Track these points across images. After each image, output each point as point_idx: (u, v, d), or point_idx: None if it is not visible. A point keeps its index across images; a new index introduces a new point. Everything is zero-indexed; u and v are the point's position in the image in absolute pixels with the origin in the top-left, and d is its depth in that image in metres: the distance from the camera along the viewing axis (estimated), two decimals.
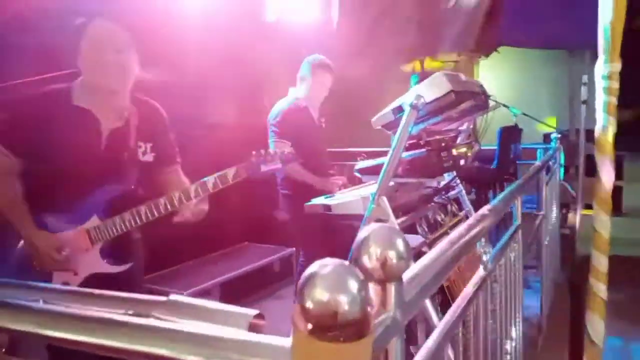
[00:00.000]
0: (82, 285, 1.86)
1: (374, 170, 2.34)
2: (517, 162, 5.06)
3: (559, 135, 4.46)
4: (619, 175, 6.13)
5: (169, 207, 1.89)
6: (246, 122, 4.00)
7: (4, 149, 1.79)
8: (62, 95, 1.85)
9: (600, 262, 1.69)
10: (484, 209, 1.54)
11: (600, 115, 1.68)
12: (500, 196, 1.91)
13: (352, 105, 5.04)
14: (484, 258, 1.59)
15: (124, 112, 1.93)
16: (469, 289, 1.42)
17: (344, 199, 2.36)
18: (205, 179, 1.91)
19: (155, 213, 1.89)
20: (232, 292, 3.91)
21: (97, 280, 1.88)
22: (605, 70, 1.65)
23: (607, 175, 1.66)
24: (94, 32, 1.82)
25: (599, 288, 1.69)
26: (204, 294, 3.73)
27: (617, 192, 5.59)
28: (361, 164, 2.42)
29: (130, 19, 1.78)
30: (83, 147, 1.82)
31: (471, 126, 3.21)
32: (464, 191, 2.97)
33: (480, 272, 1.55)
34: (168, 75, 3.95)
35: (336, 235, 2.77)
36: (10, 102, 1.84)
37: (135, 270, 2.01)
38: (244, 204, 4.47)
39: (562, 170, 5.13)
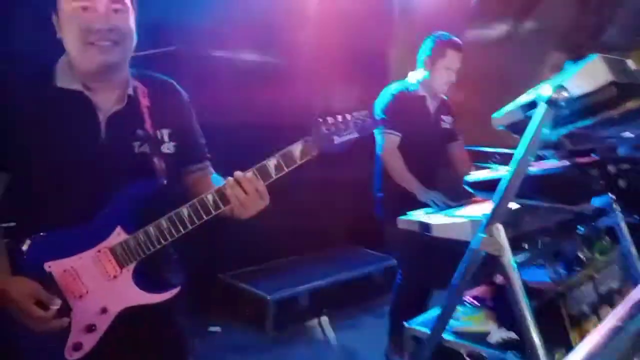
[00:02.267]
0: (115, 324, 1.39)
1: (488, 186, 1.74)
2: None
3: None
4: None
5: (220, 204, 1.37)
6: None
7: None
8: (41, 76, 1.39)
9: None
10: None
11: None
12: None
13: (490, 94, 4.32)
14: None
15: (125, 90, 1.43)
16: None
17: (448, 219, 1.84)
18: (265, 161, 1.39)
19: (204, 215, 1.36)
20: (323, 301, 3.51)
21: (132, 316, 1.41)
22: None
23: None
24: None
25: None
26: (290, 300, 3.37)
27: None
28: (473, 175, 1.83)
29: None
30: (76, 139, 1.36)
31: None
32: (623, 221, 2.21)
33: None
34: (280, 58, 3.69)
35: (436, 257, 2.23)
36: None
37: (180, 296, 1.49)
38: (354, 200, 4.05)
39: None
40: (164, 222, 1.37)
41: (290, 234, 3.80)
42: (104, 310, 1.38)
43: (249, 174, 1.36)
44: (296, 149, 1.39)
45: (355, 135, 1.45)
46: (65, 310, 1.35)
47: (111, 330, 1.39)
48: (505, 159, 2.44)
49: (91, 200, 1.36)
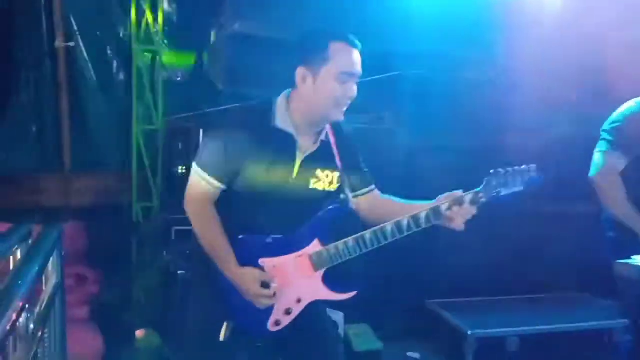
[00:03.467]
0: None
1: None
2: None
3: None
4: None
5: (397, 234, 1.65)
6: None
7: (209, 177, 1.68)
8: (264, 116, 1.71)
9: None
10: None
11: None
12: None
13: None
14: None
15: (320, 136, 1.76)
16: None
17: None
18: (438, 204, 1.64)
19: (382, 240, 1.66)
20: (535, 351, 3.15)
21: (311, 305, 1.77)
22: None
23: None
24: (343, 58, 1.65)
25: None
26: (496, 341, 3.12)
27: None
28: None
29: None
30: (279, 169, 1.70)
31: None
32: None
33: None
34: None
35: None
36: (216, 128, 1.79)
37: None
38: (581, 238, 3.61)
39: None
40: (351, 241, 1.68)
41: (506, 270, 3.55)
42: (298, 300, 1.74)
43: (423, 215, 1.64)
44: (467, 198, 1.62)
45: (520, 189, 1.64)
46: (268, 296, 1.70)
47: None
48: None
49: (287, 217, 1.69)
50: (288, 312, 1.73)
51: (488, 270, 3.57)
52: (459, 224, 1.63)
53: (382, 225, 1.65)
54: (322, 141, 1.75)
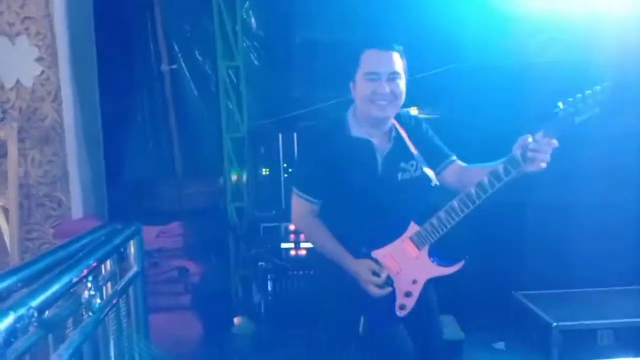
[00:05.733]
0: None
1: None
2: None
3: None
4: None
5: (481, 194, 1.78)
6: None
7: (306, 195, 1.94)
8: (340, 128, 1.94)
9: None
10: None
11: None
12: None
13: None
14: None
15: (391, 134, 1.95)
16: None
17: None
18: (512, 153, 1.74)
19: (470, 204, 1.80)
20: (632, 343, 2.96)
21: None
22: None
23: None
24: (368, 60, 1.86)
25: None
26: (585, 333, 2.98)
27: None
28: None
29: None
30: (364, 173, 1.90)
31: None
32: None
33: None
34: None
35: None
36: (305, 152, 2.14)
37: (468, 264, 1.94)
38: None
39: None
40: (442, 213, 1.83)
41: (598, 261, 3.36)
42: (414, 281, 1.91)
43: (500, 167, 1.74)
44: (538, 136, 1.68)
45: (595, 111, 1.64)
46: (390, 282, 1.89)
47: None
48: None
49: (379, 211, 1.89)
50: (408, 294, 1.90)
51: (577, 262, 3.43)
52: (542, 161, 1.69)
53: (468, 190, 1.79)
54: (394, 137, 1.95)
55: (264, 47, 3.94)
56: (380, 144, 1.93)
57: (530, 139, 1.70)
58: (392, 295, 1.89)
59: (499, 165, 1.75)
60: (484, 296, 3.44)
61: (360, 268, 1.86)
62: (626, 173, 3.46)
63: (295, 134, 3.27)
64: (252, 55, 4.07)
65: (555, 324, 3.00)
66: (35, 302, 1.06)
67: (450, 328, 3.25)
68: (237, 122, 3.59)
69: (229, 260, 3.68)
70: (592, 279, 3.45)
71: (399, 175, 1.93)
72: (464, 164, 1.99)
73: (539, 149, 1.68)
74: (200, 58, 4.27)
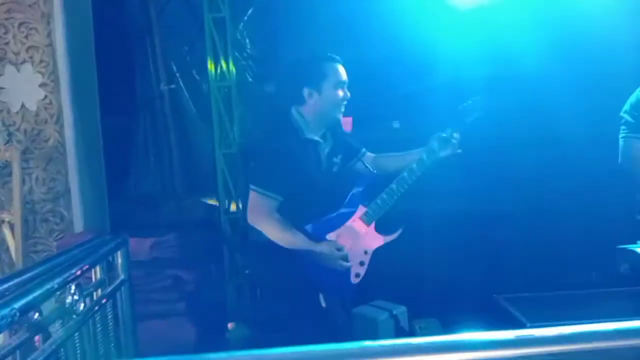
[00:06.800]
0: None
1: None
2: None
3: None
4: None
5: (412, 176, 2.23)
6: None
7: (269, 192, 2.16)
8: (293, 130, 2.23)
9: None
10: None
11: None
12: None
13: None
14: None
15: (326, 133, 2.31)
16: None
17: None
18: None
19: (405, 185, 2.23)
20: None
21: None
22: None
23: None
24: (337, 72, 2.21)
25: None
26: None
27: None
28: None
29: None
30: (313, 170, 2.24)
31: None
32: None
33: None
34: None
35: None
36: (266, 153, 2.34)
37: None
38: None
39: None
40: (383, 194, 2.24)
41: (579, 262, 3.48)
42: (365, 252, 2.28)
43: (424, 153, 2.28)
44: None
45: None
46: (346, 257, 2.22)
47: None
48: None
49: (330, 200, 2.28)
50: (362, 264, 2.26)
51: (562, 262, 3.53)
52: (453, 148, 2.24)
53: (400, 175, 2.23)
54: (328, 137, 2.30)
55: (258, 66, 4.17)
56: (323, 144, 2.27)
57: (443, 135, 2.21)
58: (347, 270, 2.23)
59: (422, 153, 2.23)
60: (466, 299, 3.57)
61: (325, 249, 2.18)
62: (604, 176, 3.57)
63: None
64: (247, 74, 4.31)
65: (529, 325, 3.11)
66: (18, 304, 1.26)
67: (430, 330, 3.40)
68: (230, 139, 3.80)
69: (223, 269, 3.87)
70: (574, 282, 3.55)
71: (334, 169, 2.30)
72: (372, 155, 2.46)
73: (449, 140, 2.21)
74: (197, 77, 4.50)
